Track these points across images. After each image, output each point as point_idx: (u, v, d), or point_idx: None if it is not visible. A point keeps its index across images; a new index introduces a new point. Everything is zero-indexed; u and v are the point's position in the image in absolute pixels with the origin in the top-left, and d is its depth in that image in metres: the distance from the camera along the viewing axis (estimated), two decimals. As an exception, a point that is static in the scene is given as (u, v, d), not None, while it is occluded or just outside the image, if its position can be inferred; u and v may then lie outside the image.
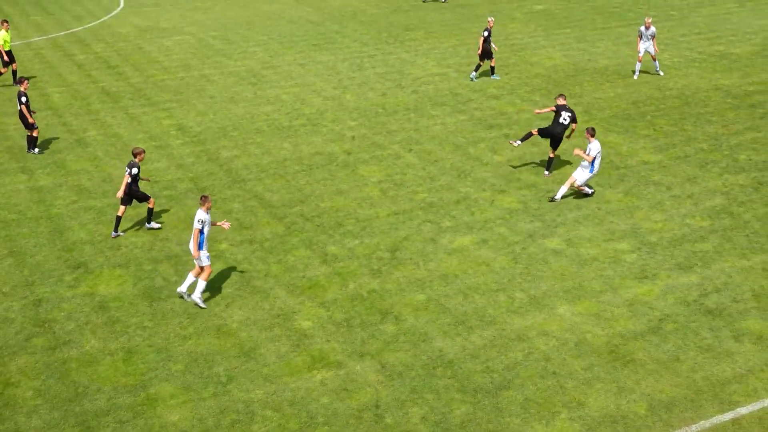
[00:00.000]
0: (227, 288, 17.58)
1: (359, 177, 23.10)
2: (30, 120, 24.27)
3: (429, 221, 20.46)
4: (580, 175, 21.21)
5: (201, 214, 16.35)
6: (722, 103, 29.07)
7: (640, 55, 31.57)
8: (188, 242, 18.87)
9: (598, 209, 21.05)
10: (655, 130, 26.40)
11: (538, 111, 23.51)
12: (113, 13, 43.30)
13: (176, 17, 42.41)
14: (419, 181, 22.79)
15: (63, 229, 20.21)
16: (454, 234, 19.86)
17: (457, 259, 18.69)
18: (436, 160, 24.19)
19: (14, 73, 30.94)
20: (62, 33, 38.92)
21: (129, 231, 19.97)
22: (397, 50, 36.01)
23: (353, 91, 30.51)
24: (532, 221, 20.46)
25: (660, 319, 16.38)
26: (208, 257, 16.62)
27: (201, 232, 16.38)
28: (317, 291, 17.45)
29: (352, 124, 27.16)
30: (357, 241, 19.55)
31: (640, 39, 31.30)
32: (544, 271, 18.16)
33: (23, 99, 24.05)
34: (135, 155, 19.51)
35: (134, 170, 19.34)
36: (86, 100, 29.56)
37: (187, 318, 16.53)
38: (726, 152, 24.69)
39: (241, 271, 18.21)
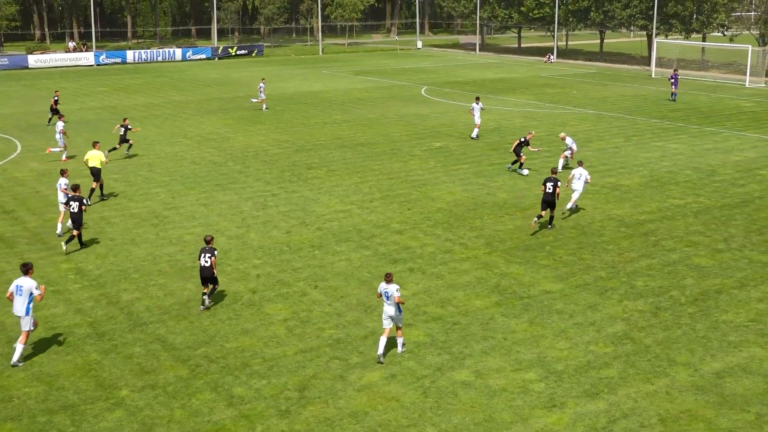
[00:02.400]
0: (128, 437, 16.80)
1: (265, 315, 22.79)
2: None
3: (337, 358, 20.20)
4: None
5: (393, 285, 19.71)
6: (617, 232, 30.14)
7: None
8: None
9: (504, 339, 21.20)
10: (554, 260, 27.07)
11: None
12: (10, 158, 42.68)
13: (75, 161, 42.02)
14: (326, 317, 22.62)
15: (-50, 381, 19.13)
16: (363, 370, 19.62)
17: (367, 396, 18.40)
18: (342, 296, 24.12)
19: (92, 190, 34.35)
20: (-44, 178, 38.03)
21: (22, 381, 19.03)
22: (301, 188, 36.39)
23: (257, 229, 30.49)
24: (440, 354, 20.42)
25: (571, 448, 16.33)
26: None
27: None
28: (223, 435, 16.85)
29: (257, 262, 27.00)
30: (264, 381, 19.09)
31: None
32: (454, 404, 18.02)
33: (86, 201, 28.75)
34: (208, 242, 22.81)
35: (216, 252, 22.66)
36: (-21, 245, 28.65)
37: (85, 471, 15.65)
38: (624, 279, 25.42)
39: (143, 419, 17.46)
